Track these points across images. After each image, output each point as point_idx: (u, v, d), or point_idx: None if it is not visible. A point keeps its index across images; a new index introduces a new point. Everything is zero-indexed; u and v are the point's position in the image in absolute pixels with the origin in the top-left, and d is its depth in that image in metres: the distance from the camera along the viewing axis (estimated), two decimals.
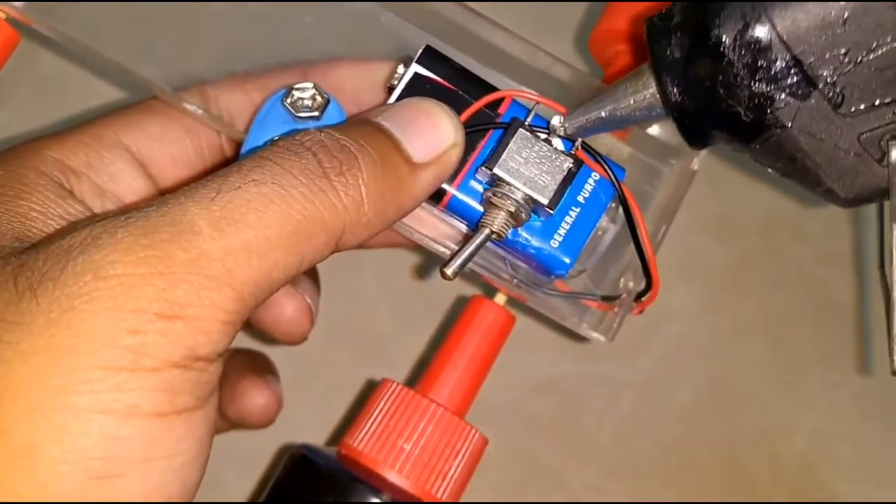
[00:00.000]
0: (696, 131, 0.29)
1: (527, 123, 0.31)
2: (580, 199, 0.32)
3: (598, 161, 0.32)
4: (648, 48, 0.28)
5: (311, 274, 0.38)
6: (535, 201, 0.31)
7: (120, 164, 0.32)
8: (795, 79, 0.25)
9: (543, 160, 0.31)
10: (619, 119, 0.30)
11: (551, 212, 0.31)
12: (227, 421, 0.38)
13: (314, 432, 0.45)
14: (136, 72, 0.33)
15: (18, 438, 0.22)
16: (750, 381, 0.47)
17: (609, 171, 0.32)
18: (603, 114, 0.30)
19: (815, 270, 0.48)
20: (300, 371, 0.45)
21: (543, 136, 0.31)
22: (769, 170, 0.29)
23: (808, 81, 0.25)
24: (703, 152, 0.35)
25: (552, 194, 0.31)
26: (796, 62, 0.25)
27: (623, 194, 0.32)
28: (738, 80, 0.26)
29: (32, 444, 0.22)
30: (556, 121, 0.31)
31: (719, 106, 0.27)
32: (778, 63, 0.25)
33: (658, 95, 0.28)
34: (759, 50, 0.25)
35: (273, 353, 0.41)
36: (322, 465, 0.35)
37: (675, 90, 0.28)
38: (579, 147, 0.31)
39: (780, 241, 0.49)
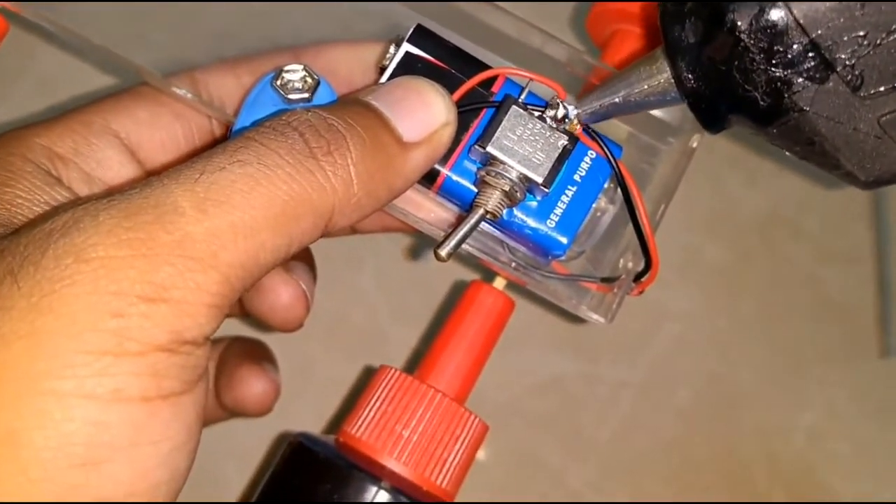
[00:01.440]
0: (711, 116, 0.28)
1: (520, 101, 0.31)
2: (576, 177, 0.32)
3: (594, 138, 0.32)
4: (662, 32, 0.28)
5: (307, 260, 0.38)
6: (529, 180, 0.30)
7: (108, 150, 0.31)
8: (813, 63, 0.25)
9: (538, 138, 0.30)
10: (633, 104, 0.29)
11: (546, 190, 0.30)
12: (224, 409, 0.37)
13: (311, 421, 0.44)
14: (125, 58, 0.33)
15: (0, 425, 0.21)
16: (749, 381, 0.47)
17: (605, 149, 0.32)
18: (617, 99, 0.30)
19: (814, 269, 0.48)
20: (297, 359, 0.44)
21: (538, 113, 0.31)
22: (787, 153, 0.28)
23: (826, 65, 0.25)
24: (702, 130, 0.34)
25: (547, 172, 0.30)
26: (813, 46, 0.25)
27: (620, 172, 0.32)
28: (755, 64, 0.25)
29: (14, 431, 0.21)
30: (572, 111, 0.31)
31: (735, 91, 0.26)
32: (795, 47, 0.25)
33: (672, 80, 0.28)
34: (776, 34, 0.25)
35: (269, 341, 0.41)
36: (320, 454, 0.34)
37: (690, 75, 0.27)
38: (577, 125, 0.31)
39: (778, 240, 0.49)
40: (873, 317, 0.48)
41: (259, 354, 0.39)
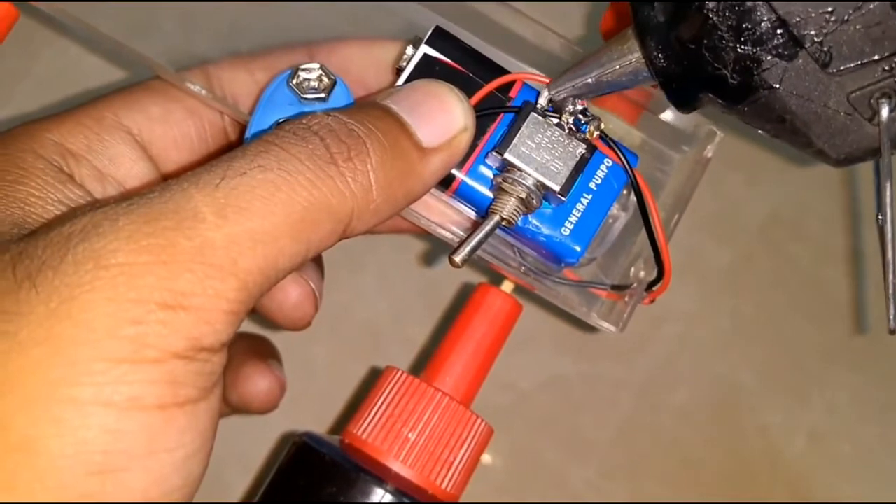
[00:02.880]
0: (683, 95, 0.28)
1: (539, 107, 0.30)
2: (592, 185, 0.32)
3: (611, 147, 0.31)
4: (631, 12, 0.27)
5: (316, 259, 0.38)
6: (546, 188, 0.30)
7: (121, 146, 0.31)
8: (781, 39, 0.25)
9: (556, 145, 0.30)
10: (606, 84, 0.29)
11: (563, 199, 0.30)
12: (229, 406, 0.37)
13: (315, 421, 0.44)
14: (137, 51, 0.32)
15: (17, 432, 0.21)
16: (749, 381, 0.47)
17: (622, 158, 0.31)
18: (589, 80, 0.29)
19: (814, 269, 0.48)
20: (303, 358, 0.44)
21: (556, 120, 0.30)
22: (759, 131, 0.28)
23: (795, 41, 0.25)
24: (717, 140, 0.34)
25: (564, 181, 0.30)
26: (781, 22, 0.24)
27: (636, 181, 0.31)
28: (724, 42, 0.25)
29: (31, 438, 0.21)
30: (543, 95, 0.30)
31: (705, 69, 0.26)
32: (763, 24, 0.24)
33: (643, 60, 0.28)
34: (744, 11, 0.24)
35: (275, 339, 0.41)
36: (325, 455, 0.34)
37: (659, 55, 0.27)
38: (594, 133, 0.31)
39: (778, 240, 0.48)
40: (874, 317, 0.48)
41: (264, 351, 0.38)
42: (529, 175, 0.30)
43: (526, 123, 0.30)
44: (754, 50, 0.25)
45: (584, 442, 0.46)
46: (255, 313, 0.37)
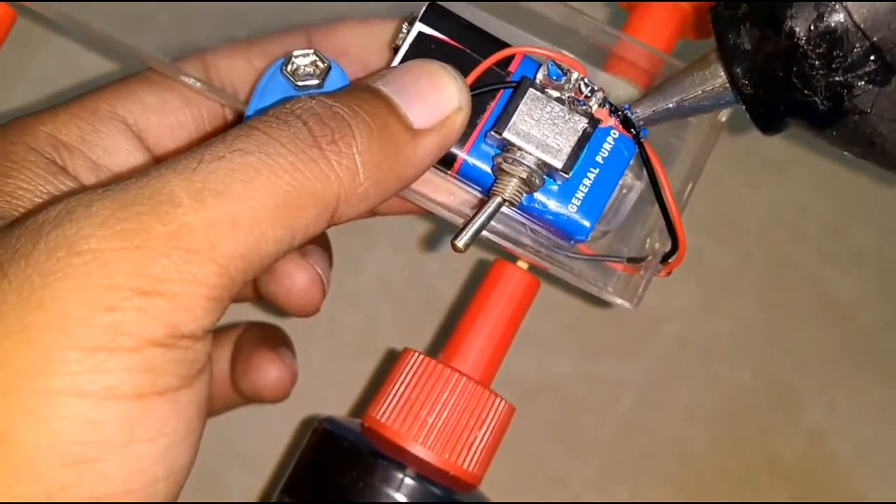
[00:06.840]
0: (769, 120, 0.27)
1: (537, 82, 0.29)
2: (599, 159, 0.30)
3: (618, 117, 0.30)
4: (715, 38, 0.27)
5: (323, 244, 0.37)
6: (548, 165, 0.29)
7: (116, 136, 0.31)
8: (874, 66, 0.24)
9: (556, 121, 0.29)
10: (687, 108, 0.29)
11: (566, 176, 0.29)
12: (240, 395, 0.37)
13: (337, 403, 0.44)
14: (132, 45, 0.32)
15: None
16: (749, 381, 0.47)
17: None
18: (670, 105, 0.29)
19: (815, 269, 0.48)
20: (318, 342, 0.44)
21: (556, 94, 0.29)
22: (845, 153, 0.28)
23: (888, 67, 0.24)
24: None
25: (566, 157, 0.29)
26: (874, 49, 0.24)
27: (645, 153, 0.30)
28: (814, 70, 0.25)
29: (4, 430, 0.21)
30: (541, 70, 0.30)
31: (794, 96, 0.26)
32: (855, 51, 0.24)
33: (727, 85, 0.28)
34: (835, 39, 0.24)
35: (287, 327, 0.41)
36: (345, 442, 0.34)
37: (746, 82, 0.27)
38: (596, 108, 0.30)
39: (779, 240, 0.48)
40: (874, 317, 0.47)
41: (275, 340, 0.38)
42: (530, 153, 0.29)
43: (524, 100, 0.29)
44: (846, 76, 0.25)
45: (584, 442, 0.46)
46: (262, 300, 0.36)
